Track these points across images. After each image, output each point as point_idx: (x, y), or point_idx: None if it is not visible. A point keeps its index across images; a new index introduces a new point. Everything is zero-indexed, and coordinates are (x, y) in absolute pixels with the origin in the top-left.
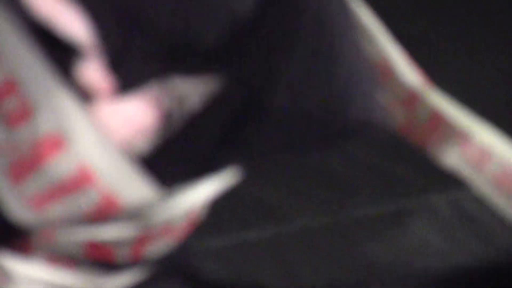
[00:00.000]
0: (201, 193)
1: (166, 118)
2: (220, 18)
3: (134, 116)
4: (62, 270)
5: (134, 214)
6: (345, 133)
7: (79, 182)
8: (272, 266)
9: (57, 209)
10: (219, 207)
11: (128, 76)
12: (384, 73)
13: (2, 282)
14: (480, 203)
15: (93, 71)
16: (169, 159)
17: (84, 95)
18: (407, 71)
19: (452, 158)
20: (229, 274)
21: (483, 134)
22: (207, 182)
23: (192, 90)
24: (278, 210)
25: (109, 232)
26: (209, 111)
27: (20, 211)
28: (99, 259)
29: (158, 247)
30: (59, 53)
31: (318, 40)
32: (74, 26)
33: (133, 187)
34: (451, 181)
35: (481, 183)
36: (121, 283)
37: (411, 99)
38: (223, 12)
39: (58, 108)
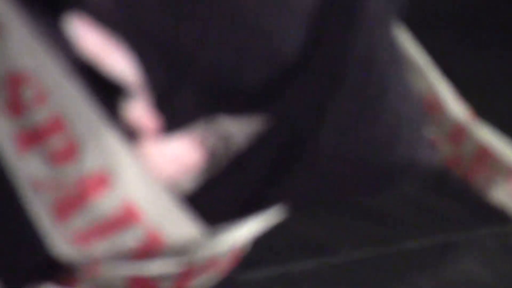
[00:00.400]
0: (245, 231)
1: (212, 157)
2: (267, 60)
3: (180, 154)
4: None
5: (178, 251)
6: (392, 174)
7: (124, 219)
8: None
9: (101, 246)
10: (263, 241)
11: (174, 116)
12: (431, 107)
13: None
14: None
15: (140, 110)
16: (214, 197)
17: (131, 134)
18: (454, 105)
19: (499, 193)
20: None
21: None
22: (251, 221)
23: (238, 130)
24: (321, 244)
25: (154, 268)
26: (254, 151)
27: (64, 247)
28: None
29: (202, 281)
30: (106, 92)
31: (365, 82)
32: (122, 65)
33: (178, 225)
34: (497, 216)
35: None
36: None
37: (458, 133)
38: (270, 54)
39: (104, 146)
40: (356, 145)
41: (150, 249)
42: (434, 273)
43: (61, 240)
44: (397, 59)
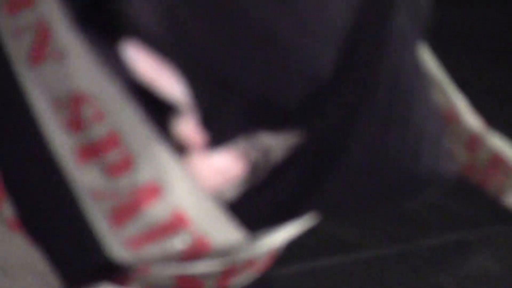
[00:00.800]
0: (281, 235)
1: (252, 169)
2: (303, 80)
3: (224, 167)
4: None
5: (222, 253)
6: (417, 185)
7: (174, 225)
8: None
9: (153, 249)
10: (294, 239)
11: (219, 132)
12: (449, 118)
13: None
14: None
15: (189, 127)
16: (254, 205)
17: (180, 148)
18: (469, 116)
19: (511, 196)
20: None
21: None
22: (287, 226)
23: (276, 143)
24: (347, 242)
25: (199, 267)
26: (291, 163)
27: (119, 251)
28: (196, 284)
29: (242, 278)
30: (159, 110)
31: (392, 100)
32: (172, 87)
33: (222, 230)
34: (509, 216)
35: None
36: None
37: (473, 141)
38: (306, 75)
39: (156, 159)
40: (384, 159)
41: (197, 252)
42: (452, 269)
43: (116, 244)
44: (422, 77)
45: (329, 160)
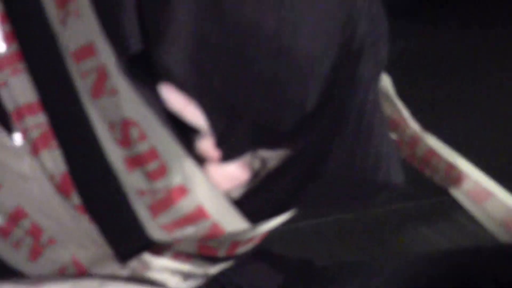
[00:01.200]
0: (274, 223)
1: (253, 175)
2: (293, 112)
3: (232, 174)
4: (182, 261)
5: (231, 236)
6: (375, 190)
7: (197, 216)
8: (316, 246)
9: (181, 233)
10: None
11: (229, 150)
12: (397, 124)
13: (144, 269)
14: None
15: (207, 145)
16: (254, 202)
17: (201, 160)
18: (411, 122)
19: (439, 178)
20: (286, 251)
21: (462, 163)
22: (278, 217)
23: (271, 156)
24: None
25: (213, 242)
26: (282, 171)
27: (156, 233)
28: (207, 255)
29: (244, 249)
30: (185, 132)
31: (359, 127)
32: (196, 116)
33: (231, 220)
34: (440, 190)
35: (458, 195)
36: (220, 268)
37: (414, 140)
38: (297, 107)
39: (183, 168)
40: (351, 171)
41: (213, 235)
42: (395, 234)
43: (154, 229)
44: (380, 111)
45: (311, 170)
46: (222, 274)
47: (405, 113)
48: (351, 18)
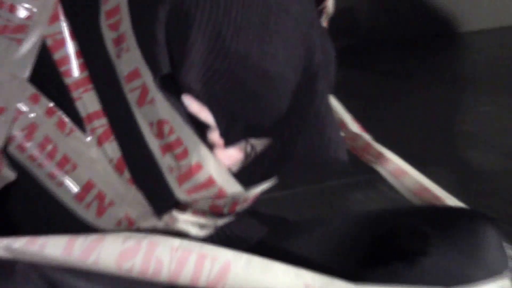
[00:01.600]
0: (260, 187)
1: (245, 156)
2: (273, 115)
3: (232, 155)
4: (199, 216)
5: (232, 197)
6: (327, 164)
7: (208, 183)
8: (288, 209)
9: (198, 195)
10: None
11: (229, 140)
12: (342, 126)
13: (173, 222)
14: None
15: (215, 136)
16: (246, 174)
17: (211, 146)
18: (352, 125)
19: (371, 161)
20: (270, 212)
21: (386, 152)
22: (263, 184)
23: (258, 143)
24: (289, 183)
25: (220, 201)
26: (264, 153)
27: (181, 196)
28: (216, 211)
29: (241, 207)
30: (201, 127)
31: (317, 122)
32: (206, 116)
33: (232, 186)
34: (370, 169)
35: (384, 173)
36: (225, 221)
37: (354, 137)
38: (274, 112)
39: (199, 151)
40: (312, 151)
41: (219, 196)
42: (339, 204)
43: (180, 193)
44: (331, 111)
45: (284, 151)
46: (226, 225)
47: (348, 118)
48: (310, 51)
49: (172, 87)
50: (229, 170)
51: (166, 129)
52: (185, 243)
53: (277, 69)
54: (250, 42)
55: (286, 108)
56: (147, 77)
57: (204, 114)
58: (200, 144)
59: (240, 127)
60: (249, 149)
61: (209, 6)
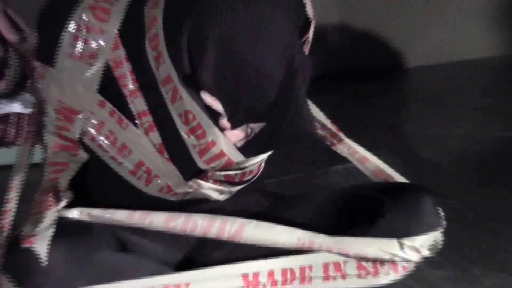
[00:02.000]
0: (260, 158)
1: (247, 135)
2: (265, 103)
3: (236, 134)
4: (218, 185)
5: (237, 165)
6: (305, 138)
7: (220, 155)
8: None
9: (214, 164)
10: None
11: (235, 123)
12: (324, 127)
13: (199, 188)
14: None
15: (224, 121)
16: (247, 148)
17: (222, 128)
18: (332, 127)
19: (344, 152)
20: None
21: (354, 144)
22: (262, 155)
23: (255, 125)
24: (279, 172)
25: (232, 172)
26: (261, 133)
27: (202, 166)
28: (230, 181)
29: (248, 177)
30: (214, 114)
31: (297, 109)
32: (219, 107)
33: (237, 156)
34: (342, 159)
35: (353, 161)
36: (237, 188)
37: (332, 135)
38: (266, 101)
39: (213, 132)
40: (292, 127)
41: (228, 165)
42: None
43: (201, 163)
44: (305, 97)
45: (275, 131)
46: (237, 194)
47: (322, 116)
48: (291, 56)
49: (193, 86)
50: (235, 145)
51: (190, 117)
52: (211, 215)
53: (267, 69)
54: (248, 49)
55: (274, 97)
56: (176, 80)
57: (216, 105)
58: (214, 127)
59: (241, 114)
60: (249, 130)
61: (218, 25)
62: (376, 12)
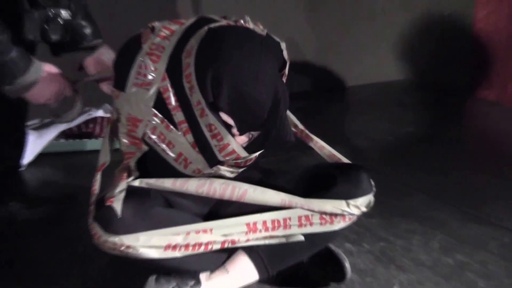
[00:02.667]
0: (257, 153)
1: (249, 139)
2: (261, 120)
3: (242, 139)
4: (230, 168)
5: (244, 158)
6: (286, 145)
7: (232, 152)
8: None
9: (228, 157)
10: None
11: (241, 132)
12: (295, 126)
13: (218, 171)
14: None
15: (235, 130)
16: (248, 148)
17: (233, 135)
18: (300, 125)
19: (311, 144)
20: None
21: (316, 138)
22: (258, 152)
23: (255, 134)
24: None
25: (240, 161)
26: (258, 137)
27: (221, 158)
28: (238, 165)
29: (250, 163)
30: (229, 127)
31: (281, 123)
32: (231, 121)
33: (243, 153)
34: (310, 148)
35: (316, 150)
36: (242, 170)
37: (301, 132)
38: (260, 118)
39: (227, 137)
40: (278, 136)
41: (238, 158)
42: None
43: (220, 157)
44: (286, 116)
45: (267, 137)
46: (242, 172)
47: (298, 122)
48: (277, 89)
49: (214, 108)
50: (241, 146)
51: (212, 128)
52: (226, 181)
53: (262, 99)
54: (249, 87)
55: (266, 116)
56: (203, 104)
57: (229, 121)
58: (228, 134)
59: (245, 127)
60: (250, 136)
61: (229, 72)
62: (320, 43)
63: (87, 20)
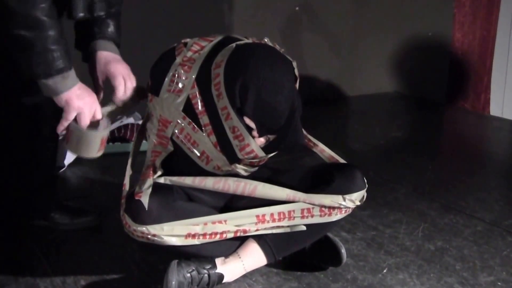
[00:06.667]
0: (273, 154)
1: (267, 141)
2: (279, 125)
3: (261, 141)
4: (246, 166)
5: (260, 157)
6: (297, 147)
7: (251, 152)
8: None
9: (247, 156)
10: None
11: (261, 134)
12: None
13: (235, 168)
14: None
15: (255, 133)
16: (266, 148)
17: (253, 136)
18: (305, 132)
19: (313, 147)
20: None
21: (318, 143)
22: (274, 153)
23: (272, 136)
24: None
25: (256, 159)
26: (275, 140)
27: (240, 157)
28: (252, 164)
29: (262, 163)
30: (249, 128)
31: (295, 127)
32: (252, 125)
33: (261, 153)
34: (312, 152)
35: (317, 152)
36: (255, 169)
37: (305, 137)
38: (279, 124)
39: (248, 138)
40: (292, 139)
41: (256, 157)
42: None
43: (240, 155)
44: (300, 123)
45: (282, 140)
46: (255, 171)
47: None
48: (293, 100)
49: (239, 113)
50: (260, 147)
51: (236, 129)
52: (239, 178)
53: (281, 109)
54: (272, 97)
55: (283, 123)
56: (229, 109)
57: (251, 124)
58: (249, 136)
59: (264, 130)
60: (268, 138)
61: (255, 82)
62: (321, 60)
63: (115, 20)
